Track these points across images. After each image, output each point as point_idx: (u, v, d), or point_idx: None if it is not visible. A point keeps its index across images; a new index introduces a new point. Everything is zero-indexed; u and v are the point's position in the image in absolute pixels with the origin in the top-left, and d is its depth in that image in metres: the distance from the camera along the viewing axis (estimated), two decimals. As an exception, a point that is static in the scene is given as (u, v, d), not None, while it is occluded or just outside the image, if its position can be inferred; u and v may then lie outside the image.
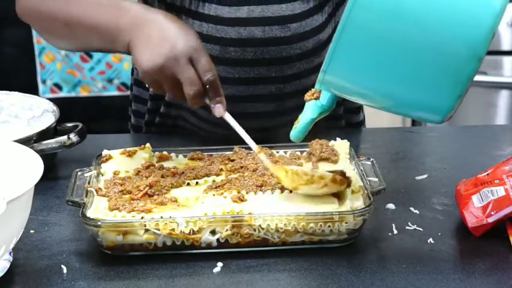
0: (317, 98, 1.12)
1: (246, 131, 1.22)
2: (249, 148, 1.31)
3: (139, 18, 1.21)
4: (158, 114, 1.57)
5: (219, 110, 1.21)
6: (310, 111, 1.12)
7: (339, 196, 1.17)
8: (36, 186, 1.04)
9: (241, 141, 1.33)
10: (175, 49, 1.18)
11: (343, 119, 1.61)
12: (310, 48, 1.45)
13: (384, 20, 0.97)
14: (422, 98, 1.00)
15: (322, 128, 1.60)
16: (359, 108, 1.63)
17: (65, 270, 1.10)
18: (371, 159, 1.27)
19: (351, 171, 1.24)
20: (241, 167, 1.26)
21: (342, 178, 1.16)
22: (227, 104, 1.37)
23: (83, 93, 3.10)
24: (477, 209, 1.17)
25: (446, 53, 0.96)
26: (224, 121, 1.46)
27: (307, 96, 1.13)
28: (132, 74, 1.65)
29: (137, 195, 1.17)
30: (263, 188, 1.19)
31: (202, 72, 1.19)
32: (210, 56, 1.36)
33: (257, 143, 1.31)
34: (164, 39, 1.18)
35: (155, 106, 1.57)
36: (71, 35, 1.29)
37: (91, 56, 3.09)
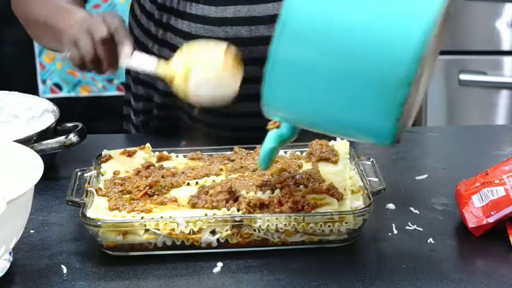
0: (279, 127, 1.12)
1: (243, 131, 1.22)
2: (249, 148, 1.31)
3: (82, 20, 1.28)
4: (153, 116, 1.57)
5: (127, 49, 1.22)
6: (269, 141, 1.12)
7: (338, 196, 1.17)
8: (36, 186, 1.04)
9: (241, 142, 1.33)
10: (94, 16, 1.27)
11: None
12: None
13: (311, 51, 0.97)
14: (363, 125, 1.00)
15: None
16: None
17: (65, 270, 1.10)
18: (371, 159, 1.27)
19: (351, 171, 1.24)
20: (241, 167, 1.26)
21: (236, 57, 1.14)
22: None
23: (83, 93, 3.10)
24: (477, 209, 1.17)
25: (375, 80, 0.95)
26: (218, 122, 1.46)
27: (269, 124, 1.14)
28: (128, 73, 1.65)
29: (137, 195, 1.17)
30: (263, 188, 1.19)
31: (112, 22, 1.23)
32: None
33: (254, 142, 1.31)
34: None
35: (147, 107, 1.58)
36: (40, 34, 1.42)
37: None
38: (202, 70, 1.13)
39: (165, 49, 1.48)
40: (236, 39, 1.42)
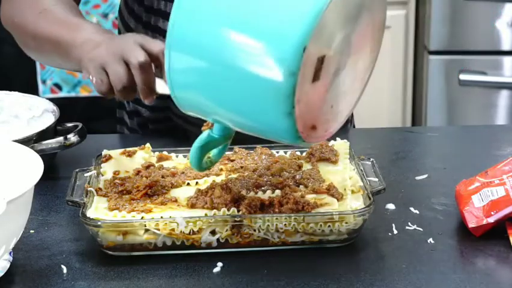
0: (211, 128, 1.12)
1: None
2: (249, 148, 1.31)
3: (92, 37, 1.22)
4: (146, 118, 1.58)
5: None
6: (198, 140, 1.12)
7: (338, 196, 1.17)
8: (36, 186, 1.04)
9: (241, 141, 1.33)
10: (122, 38, 1.19)
11: None
12: None
13: (199, 58, 0.99)
14: (263, 124, 1.00)
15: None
16: None
17: (65, 270, 1.10)
18: (371, 159, 1.27)
19: (351, 171, 1.24)
20: (241, 167, 1.26)
21: None
22: None
23: (83, 93, 3.10)
24: (477, 209, 1.17)
25: (259, 76, 0.96)
26: None
27: (204, 125, 1.15)
28: None
29: (137, 195, 1.17)
30: (263, 188, 1.19)
31: (154, 46, 1.15)
32: None
33: (256, 143, 1.31)
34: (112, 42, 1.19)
35: (139, 109, 1.58)
36: (38, 48, 1.34)
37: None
38: None
39: None
40: None
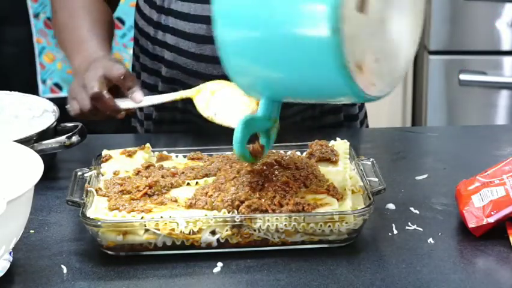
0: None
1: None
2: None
3: (80, 66, 1.41)
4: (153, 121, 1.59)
5: (138, 95, 1.36)
6: (243, 117, 1.13)
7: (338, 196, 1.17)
8: (36, 186, 1.04)
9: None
10: (92, 67, 1.37)
11: (342, 112, 1.60)
12: None
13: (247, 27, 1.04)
14: (323, 83, 1.03)
15: (322, 124, 1.59)
16: None
17: (65, 270, 1.10)
18: (371, 159, 1.27)
19: (351, 171, 1.24)
20: (238, 172, 1.25)
21: None
22: None
23: (83, 93, 3.10)
24: (477, 209, 1.17)
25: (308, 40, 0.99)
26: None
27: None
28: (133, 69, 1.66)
29: (137, 195, 1.17)
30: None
31: (115, 72, 1.35)
32: (187, 52, 1.48)
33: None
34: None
35: (148, 110, 1.59)
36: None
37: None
38: (229, 117, 1.26)
39: (168, 34, 1.50)
40: None
